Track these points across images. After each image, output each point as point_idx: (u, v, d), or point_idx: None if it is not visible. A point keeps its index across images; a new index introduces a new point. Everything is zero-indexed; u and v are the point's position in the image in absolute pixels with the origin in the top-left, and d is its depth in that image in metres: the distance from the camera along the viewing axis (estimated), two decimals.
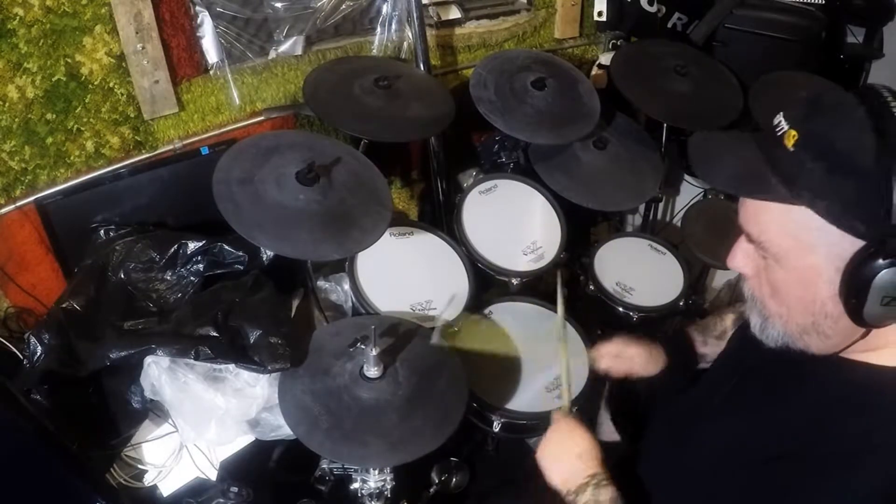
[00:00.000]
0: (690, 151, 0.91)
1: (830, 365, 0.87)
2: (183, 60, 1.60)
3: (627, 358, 1.37)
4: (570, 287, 2.18)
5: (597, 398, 1.61)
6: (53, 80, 1.43)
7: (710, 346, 1.36)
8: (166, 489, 1.40)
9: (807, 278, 0.81)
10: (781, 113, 0.82)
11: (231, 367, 1.31)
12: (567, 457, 1.11)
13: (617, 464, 1.12)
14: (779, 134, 0.80)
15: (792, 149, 0.78)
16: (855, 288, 0.76)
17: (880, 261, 0.73)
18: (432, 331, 1.40)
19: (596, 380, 1.55)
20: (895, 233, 0.72)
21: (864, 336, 0.82)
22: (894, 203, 0.71)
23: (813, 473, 0.81)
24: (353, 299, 1.59)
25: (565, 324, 1.35)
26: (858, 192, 0.74)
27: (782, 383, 0.93)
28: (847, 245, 0.76)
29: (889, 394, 0.82)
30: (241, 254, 1.47)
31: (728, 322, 1.35)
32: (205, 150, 1.66)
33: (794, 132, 0.78)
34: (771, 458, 0.86)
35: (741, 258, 0.91)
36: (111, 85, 1.51)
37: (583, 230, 2.37)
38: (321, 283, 1.67)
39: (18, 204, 1.49)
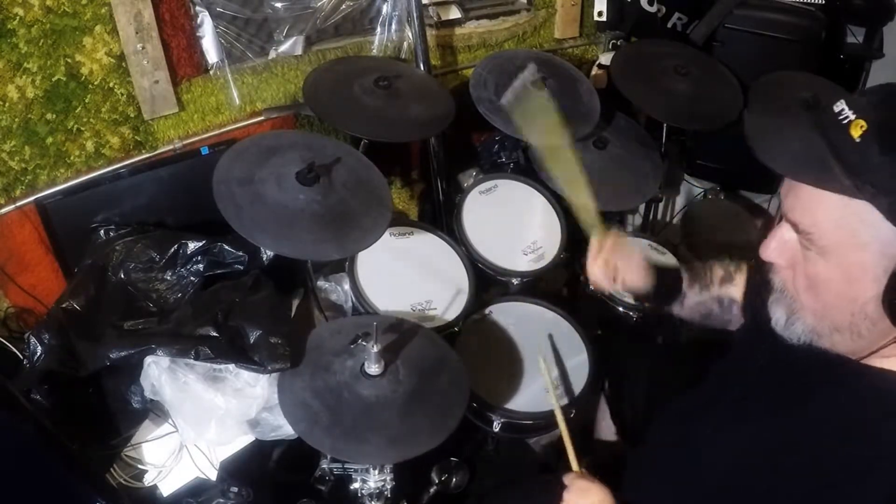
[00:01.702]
0: (748, 130, 0.87)
1: (849, 371, 0.85)
2: (183, 60, 1.60)
3: (624, 254, 1.29)
4: (570, 287, 2.18)
5: (596, 397, 1.61)
6: (53, 80, 1.43)
7: (694, 291, 1.30)
8: (166, 489, 1.40)
9: (852, 275, 0.79)
10: (843, 100, 0.78)
11: (231, 367, 1.31)
12: None
13: (615, 463, 1.12)
14: (844, 122, 0.76)
15: (858, 139, 0.74)
16: None
17: None
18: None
19: (595, 380, 1.56)
20: None
21: (892, 342, 0.80)
22: None
23: (828, 481, 0.80)
24: (353, 299, 1.59)
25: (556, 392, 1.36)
26: None
27: (796, 388, 0.91)
28: None
29: None
30: (241, 254, 1.47)
31: (717, 275, 1.28)
32: (205, 150, 1.66)
33: (862, 122, 0.75)
34: (783, 464, 0.85)
35: (776, 248, 0.86)
36: (111, 85, 1.51)
37: (583, 230, 2.37)
38: (321, 283, 1.67)
39: (18, 204, 1.49)
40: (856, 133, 0.75)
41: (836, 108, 0.78)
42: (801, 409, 0.88)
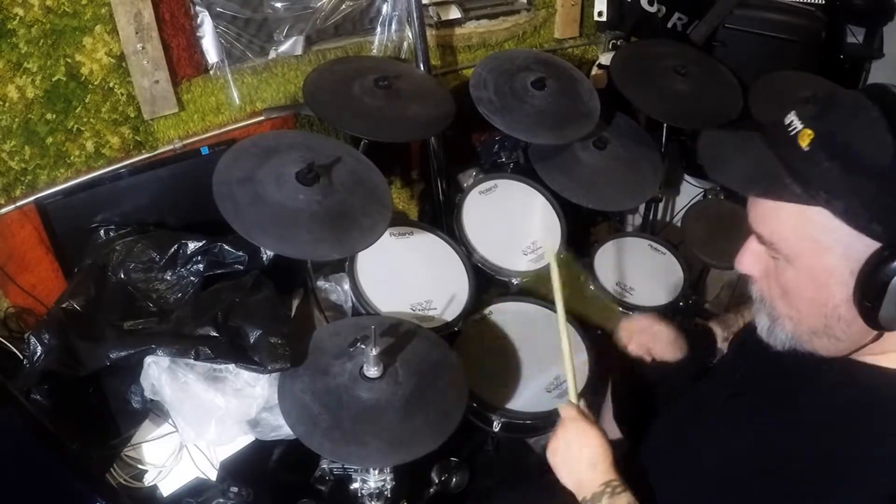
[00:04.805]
0: (700, 151, 0.90)
1: (839, 368, 0.86)
2: (183, 60, 1.60)
3: (653, 333, 1.34)
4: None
5: (600, 395, 1.60)
6: (53, 80, 1.43)
7: (728, 342, 1.34)
8: (166, 489, 1.40)
9: (820, 280, 0.80)
10: (793, 112, 0.80)
11: (231, 367, 1.31)
12: (580, 464, 1.08)
13: (619, 463, 1.12)
14: (792, 133, 0.78)
15: (807, 148, 0.76)
16: (870, 291, 0.75)
17: None
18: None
19: (599, 378, 1.56)
20: None
21: (875, 339, 0.81)
22: None
23: (820, 477, 0.80)
24: (353, 299, 1.59)
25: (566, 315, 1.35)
26: (876, 193, 0.72)
27: (788, 386, 0.92)
28: (862, 247, 0.75)
29: None
30: (241, 254, 1.47)
31: (748, 317, 1.33)
32: (205, 150, 1.66)
33: (809, 131, 0.77)
34: (777, 461, 0.85)
35: (749, 260, 0.89)
36: (111, 85, 1.51)
37: (583, 230, 2.37)
38: (321, 283, 1.67)
39: (18, 204, 1.49)
40: (804, 142, 0.77)
41: (787, 121, 0.80)
42: (790, 406, 0.89)
